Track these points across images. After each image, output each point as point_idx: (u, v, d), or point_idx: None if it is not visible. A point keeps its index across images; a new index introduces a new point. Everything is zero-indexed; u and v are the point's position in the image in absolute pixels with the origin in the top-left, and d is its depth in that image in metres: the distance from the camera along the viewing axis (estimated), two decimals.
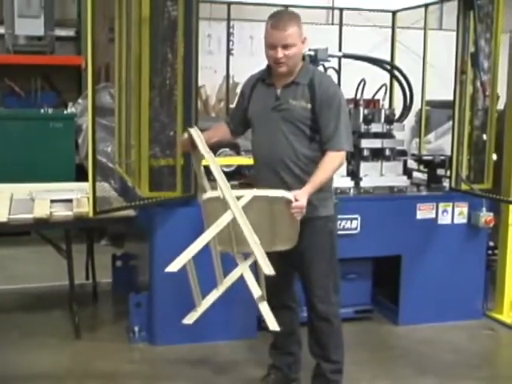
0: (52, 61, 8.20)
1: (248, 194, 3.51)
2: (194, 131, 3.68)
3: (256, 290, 3.48)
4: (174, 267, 3.38)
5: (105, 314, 5.42)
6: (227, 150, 5.45)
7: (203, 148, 3.61)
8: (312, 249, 3.69)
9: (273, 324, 3.41)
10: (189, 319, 3.61)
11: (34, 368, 4.31)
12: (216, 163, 3.56)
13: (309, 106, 3.63)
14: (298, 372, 4.10)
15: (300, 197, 3.45)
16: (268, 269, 3.33)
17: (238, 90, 9.38)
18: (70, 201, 4.79)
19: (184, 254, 3.42)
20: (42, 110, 7.41)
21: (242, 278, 3.55)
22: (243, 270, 3.56)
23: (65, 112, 7.49)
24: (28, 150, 7.10)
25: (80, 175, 6.64)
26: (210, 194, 3.66)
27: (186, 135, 3.76)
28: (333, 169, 3.63)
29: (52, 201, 4.78)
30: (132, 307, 4.64)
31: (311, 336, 3.93)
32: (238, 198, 3.48)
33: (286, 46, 3.56)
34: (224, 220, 3.46)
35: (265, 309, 3.45)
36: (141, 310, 4.64)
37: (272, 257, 3.46)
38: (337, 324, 3.88)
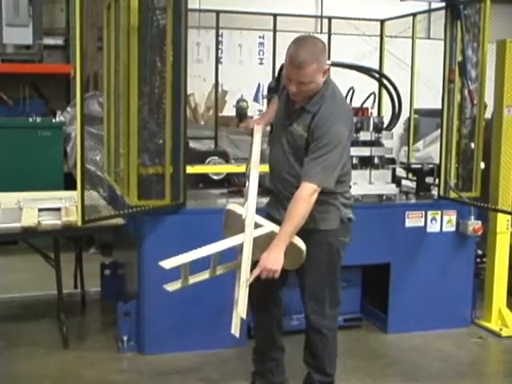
0: (40, 69, 8.17)
1: (269, 227, 3.54)
2: (258, 130, 3.78)
3: (242, 297, 3.41)
4: (167, 264, 3.37)
5: (93, 323, 5.38)
6: (216, 158, 5.46)
7: (256, 156, 3.71)
8: (307, 260, 3.62)
9: (235, 329, 3.34)
10: (170, 286, 3.58)
11: (22, 378, 4.28)
12: (255, 181, 3.61)
13: (305, 134, 3.58)
14: (283, 374, 4.07)
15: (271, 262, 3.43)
16: (235, 330, 3.30)
17: (227, 98, 9.47)
18: (59, 209, 4.77)
19: (183, 256, 3.40)
20: (31, 119, 7.40)
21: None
22: (239, 266, 3.53)
23: (53, 120, 7.48)
24: (16, 158, 7.08)
25: (68, 184, 6.62)
26: (234, 207, 3.62)
27: (251, 125, 3.86)
28: (301, 214, 3.45)
29: (40, 209, 4.76)
30: (120, 316, 4.61)
31: (305, 345, 3.92)
32: (258, 225, 3.50)
33: (301, 83, 3.51)
34: (234, 241, 3.49)
35: (236, 316, 3.37)
36: (129, 319, 4.61)
37: None
38: (331, 337, 3.85)
